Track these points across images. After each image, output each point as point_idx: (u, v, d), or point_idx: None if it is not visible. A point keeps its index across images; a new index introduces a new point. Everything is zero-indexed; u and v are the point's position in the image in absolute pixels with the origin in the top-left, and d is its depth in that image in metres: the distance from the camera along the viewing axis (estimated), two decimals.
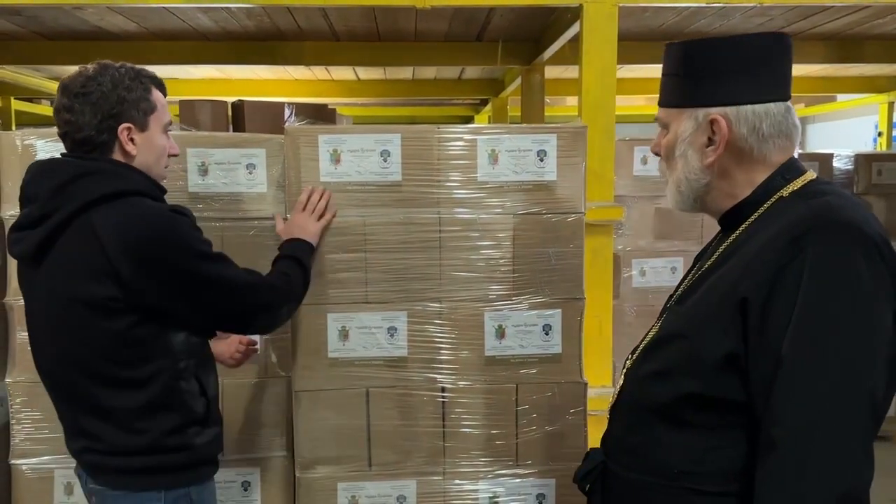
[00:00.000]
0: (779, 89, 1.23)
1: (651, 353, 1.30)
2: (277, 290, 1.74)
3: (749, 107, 1.21)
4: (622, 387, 1.36)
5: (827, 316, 1.07)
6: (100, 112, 1.57)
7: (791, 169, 1.24)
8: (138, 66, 1.67)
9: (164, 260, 1.53)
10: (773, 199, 1.22)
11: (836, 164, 4.51)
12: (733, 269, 1.19)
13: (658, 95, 1.34)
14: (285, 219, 1.99)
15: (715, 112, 1.22)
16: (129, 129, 1.60)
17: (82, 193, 1.53)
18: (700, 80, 1.24)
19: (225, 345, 1.99)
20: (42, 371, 1.66)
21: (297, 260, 1.84)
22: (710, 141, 1.24)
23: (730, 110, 1.21)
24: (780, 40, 1.24)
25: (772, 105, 1.21)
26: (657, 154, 1.35)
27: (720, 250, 1.27)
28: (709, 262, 1.28)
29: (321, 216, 1.94)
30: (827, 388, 1.06)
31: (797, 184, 1.22)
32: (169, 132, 1.71)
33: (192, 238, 1.57)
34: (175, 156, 1.76)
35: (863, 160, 4.40)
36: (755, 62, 1.21)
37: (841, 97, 7.34)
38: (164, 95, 1.71)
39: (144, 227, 1.53)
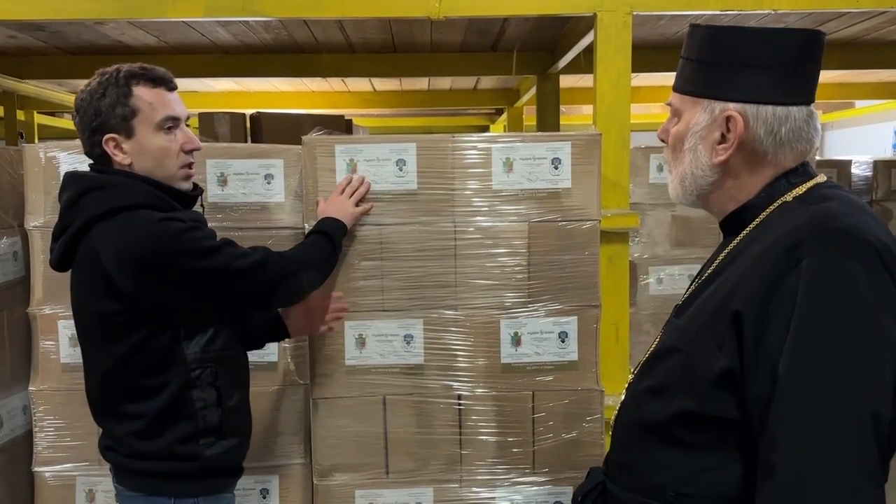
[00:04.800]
0: (804, 92, 1.14)
1: (649, 367, 1.23)
2: (289, 260, 1.70)
3: (770, 107, 1.12)
4: (622, 403, 1.29)
5: (825, 332, 0.99)
6: (86, 127, 1.58)
7: (798, 172, 1.16)
8: (129, 66, 1.58)
9: (163, 268, 1.53)
10: (775, 205, 1.14)
11: (854, 170, 4.47)
12: (729, 279, 1.11)
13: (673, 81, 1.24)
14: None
15: (733, 108, 1.13)
16: (113, 139, 1.57)
17: (87, 209, 1.55)
18: (722, 69, 1.14)
19: (307, 317, 1.93)
20: (85, 372, 1.71)
21: (324, 234, 1.84)
22: (724, 138, 1.15)
23: (749, 108, 1.12)
24: (816, 38, 1.14)
25: (794, 108, 1.12)
26: (663, 141, 1.26)
27: (719, 259, 1.19)
28: (708, 272, 1.21)
29: (359, 202, 1.96)
30: (825, 412, 0.98)
31: (802, 188, 1.14)
32: (172, 128, 1.61)
33: (185, 239, 1.55)
34: (196, 150, 1.66)
35: (882, 166, 4.36)
36: (785, 59, 1.12)
37: (859, 103, 7.29)
38: (168, 89, 1.61)
39: (138, 242, 1.52)
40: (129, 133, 1.57)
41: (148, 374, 1.59)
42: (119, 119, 1.55)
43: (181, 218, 1.59)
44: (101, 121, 1.55)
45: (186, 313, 1.60)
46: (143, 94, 1.57)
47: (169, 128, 1.61)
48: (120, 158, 1.58)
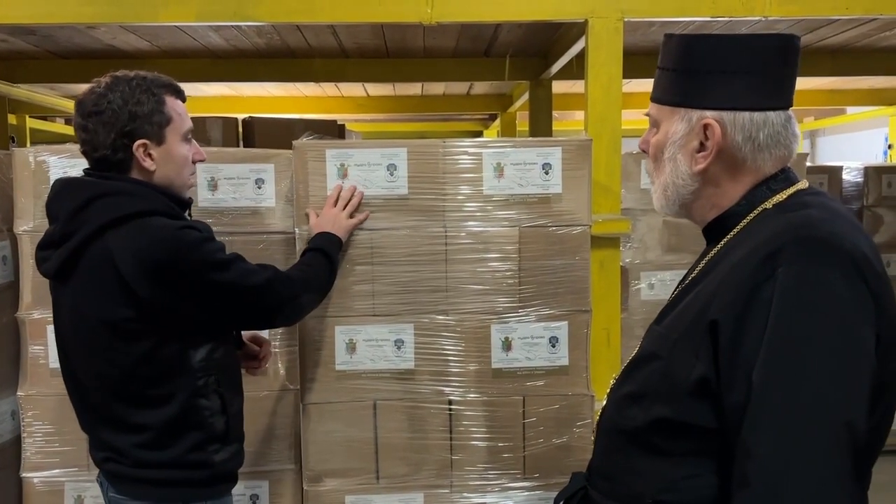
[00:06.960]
0: (781, 96, 1.14)
1: (629, 373, 1.22)
2: (294, 282, 1.72)
3: (747, 113, 1.12)
4: (603, 408, 1.28)
5: (798, 342, 0.98)
6: (113, 131, 1.56)
7: (779, 179, 1.15)
8: (152, 75, 1.64)
9: (179, 276, 1.54)
10: (756, 212, 1.14)
11: (845, 176, 4.50)
12: (708, 287, 1.10)
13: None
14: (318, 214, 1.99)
15: (710, 116, 1.13)
16: (144, 145, 1.58)
17: (97, 216, 1.54)
18: (698, 78, 1.14)
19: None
20: (68, 382, 1.68)
21: (321, 251, 1.85)
22: (702, 146, 1.15)
23: (726, 115, 1.12)
24: (789, 42, 1.14)
25: (772, 113, 1.12)
26: (644, 151, 1.26)
27: (700, 266, 1.19)
28: (689, 279, 1.21)
29: (353, 214, 1.96)
30: (799, 422, 0.96)
31: (783, 195, 1.13)
32: (190, 139, 1.68)
33: (203, 250, 1.57)
34: (202, 161, 1.73)
35: (873, 172, 4.38)
36: (759, 64, 1.12)
37: (850, 110, 7.33)
38: (183, 101, 1.68)
39: (157, 247, 1.52)
40: (160, 140, 1.61)
41: (155, 384, 1.58)
42: (155, 126, 1.59)
43: (198, 227, 1.61)
44: (135, 126, 1.57)
45: (195, 323, 1.61)
46: (171, 104, 1.63)
47: (189, 138, 1.68)
48: (147, 164, 1.60)
